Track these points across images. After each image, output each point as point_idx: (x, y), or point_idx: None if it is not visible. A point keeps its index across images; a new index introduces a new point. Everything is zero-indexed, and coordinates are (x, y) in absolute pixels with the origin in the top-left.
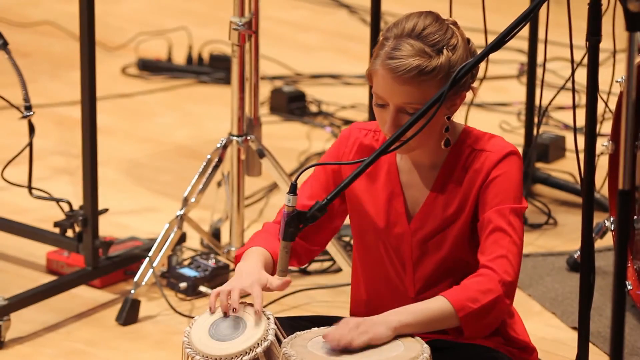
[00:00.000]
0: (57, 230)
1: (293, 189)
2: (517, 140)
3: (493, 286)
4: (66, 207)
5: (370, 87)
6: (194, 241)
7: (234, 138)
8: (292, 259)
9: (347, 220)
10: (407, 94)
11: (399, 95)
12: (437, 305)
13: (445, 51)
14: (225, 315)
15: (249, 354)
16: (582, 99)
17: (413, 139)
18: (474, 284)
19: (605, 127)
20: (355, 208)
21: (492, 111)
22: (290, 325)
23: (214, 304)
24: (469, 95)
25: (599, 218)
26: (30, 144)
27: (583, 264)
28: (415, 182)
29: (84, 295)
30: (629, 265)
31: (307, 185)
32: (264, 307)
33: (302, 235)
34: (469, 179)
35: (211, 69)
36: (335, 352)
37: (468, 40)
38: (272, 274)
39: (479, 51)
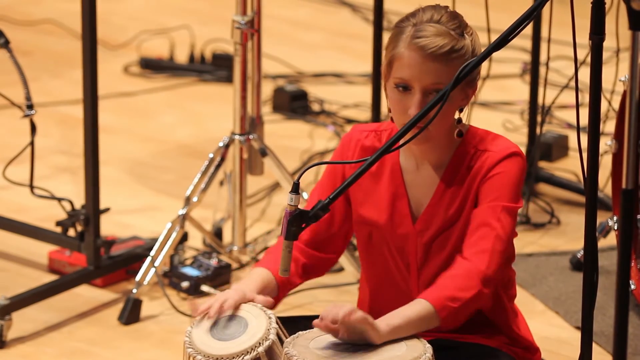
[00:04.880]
0: (59, 229)
1: (295, 188)
2: (520, 139)
3: (471, 282)
4: (68, 206)
5: (376, 88)
6: (196, 240)
7: (237, 137)
8: (310, 273)
9: None
10: (436, 73)
11: (427, 75)
12: (420, 308)
13: (466, 35)
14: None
15: (250, 353)
16: (585, 97)
17: (432, 128)
18: (452, 282)
19: (609, 126)
20: (358, 210)
21: (495, 110)
22: (292, 324)
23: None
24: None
25: (602, 217)
26: (32, 143)
27: (586, 263)
28: (419, 183)
29: (86, 294)
30: (633, 264)
31: (315, 192)
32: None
33: (315, 247)
34: (470, 179)
35: (213, 67)
36: (337, 352)
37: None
38: (277, 295)
39: (482, 49)
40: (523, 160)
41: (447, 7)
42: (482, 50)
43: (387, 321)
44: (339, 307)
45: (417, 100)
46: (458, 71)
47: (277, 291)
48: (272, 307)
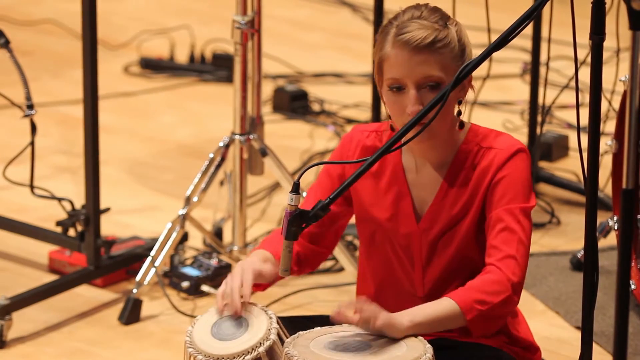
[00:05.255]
0: (59, 229)
1: (295, 188)
2: (520, 139)
3: (502, 287)
4: (68, 206)
5: (376, 88)
6: (196, 240)
7: (237, 137)
8: (304, 266)
9: (350, 220)
10: (424, 65)
11: (417, 68)
12: (445, 307)
13: (449, 25)
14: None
15: (251, 353)
16: (585, 97)
17: (434, 125)
18: (482, 285)
19: (609, 126)
20: (361, 209)
21: (495, 110)
22: (293, 324)
23: (222, 306)
24: (469, 93)
25: (602, 217)
26: (32, 143)
27: (587, 263)
28: (422, 181)
29: (86, 294)
30: (633, 264)
31: (312, 192)
32: (266, 306)
33: (311, 240)
34: (477, 177)
35: (213, 67)
36: (338, 352)
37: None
38: (274, 278)
39: (482, 50)
40: (528, 156)
41: (427, 4)
42: (471, 43)
43: (412, 317)
44: (362, 306)
45: (413, 96)
46: (458, 72)
47: (274, 268)
48: (263, 288)
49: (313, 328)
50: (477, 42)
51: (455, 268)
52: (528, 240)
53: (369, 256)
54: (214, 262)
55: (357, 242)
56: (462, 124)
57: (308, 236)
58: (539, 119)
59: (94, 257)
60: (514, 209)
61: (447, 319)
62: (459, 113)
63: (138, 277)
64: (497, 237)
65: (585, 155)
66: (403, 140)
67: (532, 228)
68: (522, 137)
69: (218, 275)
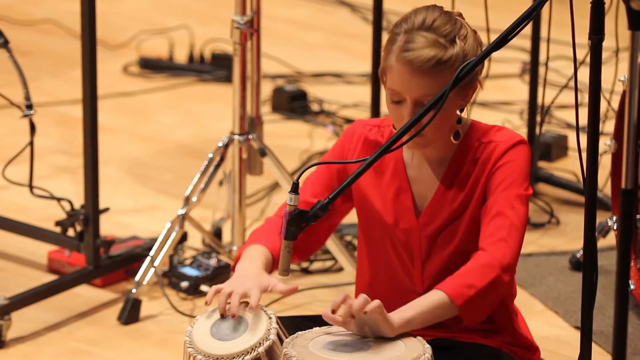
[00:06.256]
0: (58, 229)
1: (295, 188)
2: None
3: (489, 269)
4: (67, 206)
5: (375, 87)
6: (195, 240)
7: (236, 137)
8: (293, 254)
9: (349, 219)
10: (424, 86)
11: (416, 88)
12: (434, 298)
13: (458, 41)
14: (225, 315)
15: (250, 353)
16: (584, 97)
17: (429, 134)
18: (470, 271)
19: (608, 126)
20: (361, 204)
21: (494, 110)
22: (292, 324)
23: (211, 298)
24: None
25: (601, 217)
26: (31, 143)
27: (586, 263)
28: (422, 177)
29: (85, 294)
30: (632, 264)
31: (309, 183)
32: (266, 306)
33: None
34: (478, 171)
35: (213, 67)
36: (337, 352)
37: (474, 32)
38: (272, 271)
39: (480, 49)
40: (529, 149)
41: (441, 8)
42: (481, 50)
43: (401, 314)
44: (351, 299)
45: (409, 112)
46: (458, 71)
47: (272, 266)
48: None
49: (312, 328)
50: None
51: (455, 263)
52: (522, 224)
53: (368, 252)
54: (213, 262)
55: (356, 242)
56: (457, 136)
57: None
58: (538, 118)
59: (93, 257)
60: (509, 195)
61: (438, 310)
62: (459, 121)
63: (137, 277)
64: (490, 223)
65: (584, 155)
66: (400, 142)
67: (527, 214)
68: None
69: (217, 275)
